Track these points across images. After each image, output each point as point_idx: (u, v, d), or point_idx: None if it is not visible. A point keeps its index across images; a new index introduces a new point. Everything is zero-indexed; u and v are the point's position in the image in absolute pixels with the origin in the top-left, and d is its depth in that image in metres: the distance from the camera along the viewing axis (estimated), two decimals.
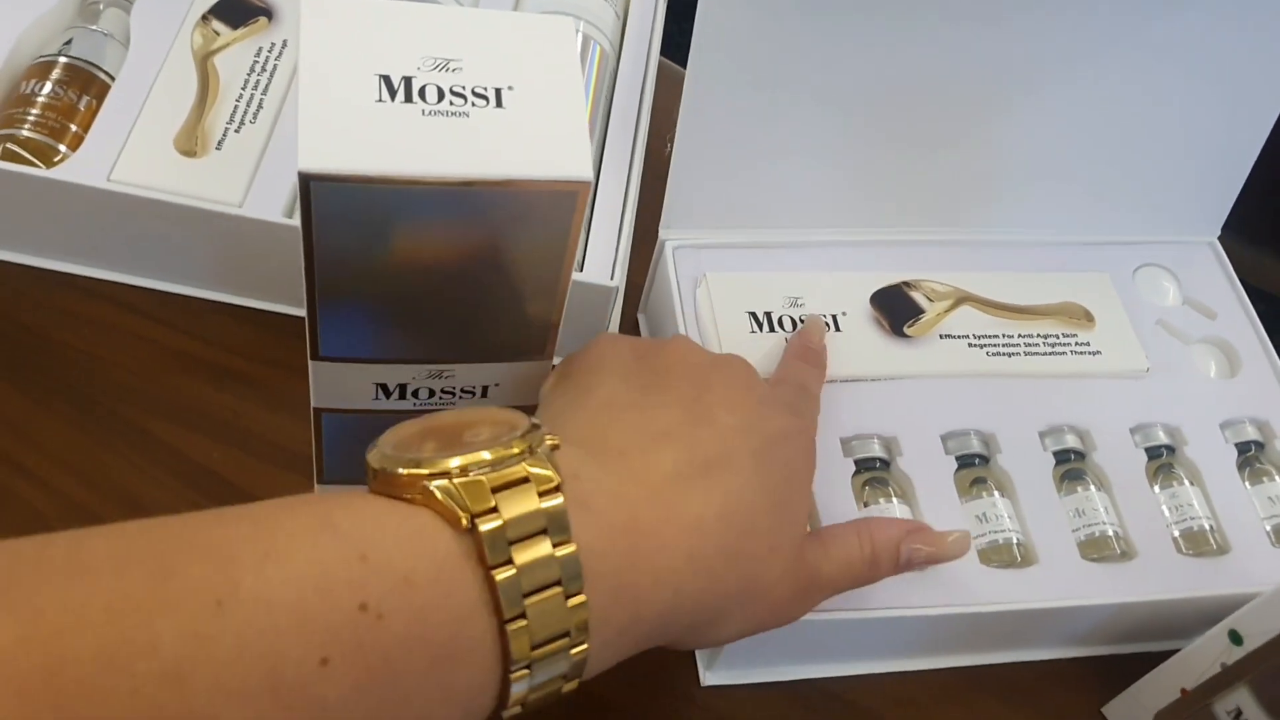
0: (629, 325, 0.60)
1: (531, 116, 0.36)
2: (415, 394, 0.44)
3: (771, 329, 0.54)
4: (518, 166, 0.35)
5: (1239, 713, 0.47)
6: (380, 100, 0.35)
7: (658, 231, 0.56)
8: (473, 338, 0.41)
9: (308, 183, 0.33)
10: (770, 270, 0.56)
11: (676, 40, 0.61)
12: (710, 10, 0.48)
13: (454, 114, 0.35)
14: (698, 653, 0.51)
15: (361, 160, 0.34)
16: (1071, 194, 0.60)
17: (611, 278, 0.54)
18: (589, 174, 0.35)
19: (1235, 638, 0.46)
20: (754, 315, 0.54)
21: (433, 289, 0.38)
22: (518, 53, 0.37)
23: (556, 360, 0.43)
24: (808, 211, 0.57)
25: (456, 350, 0.41)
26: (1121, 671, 0.52)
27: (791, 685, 0.51)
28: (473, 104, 0.35)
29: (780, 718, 0.50)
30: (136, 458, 0.52)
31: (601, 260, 0.55)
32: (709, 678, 0.51)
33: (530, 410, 0.39)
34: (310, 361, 0.41)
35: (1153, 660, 0.50)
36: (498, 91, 0.36)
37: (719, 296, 0.55)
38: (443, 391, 0.44)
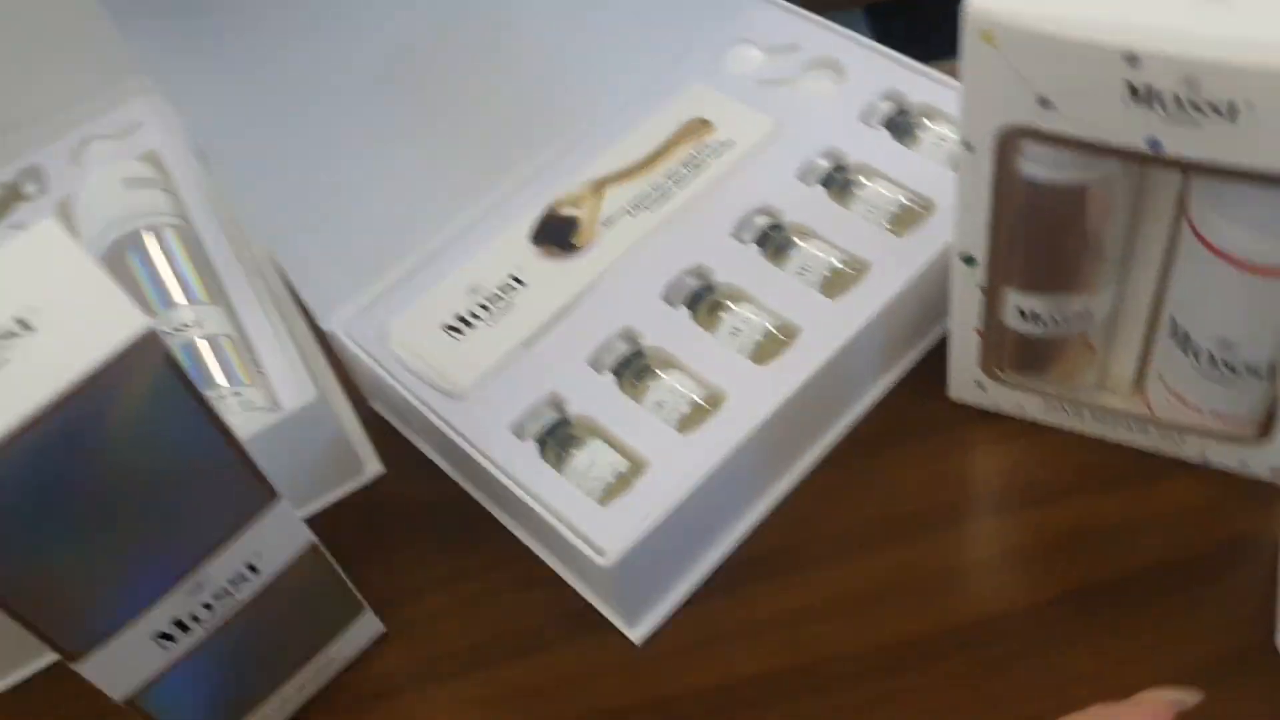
0: (371, 418, 0.60)
1: (65, 320, 0.35)
2: (197, 619, 0.43)
3: (470, 324, 0.55)
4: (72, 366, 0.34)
5: (1019, 310, 0.49)
6: None
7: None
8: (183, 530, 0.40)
9: None
10: (429, 286, 0.57)
11: None
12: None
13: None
14: (614, 617, 0.51)
15: None
16: (603, 45, 0.62)
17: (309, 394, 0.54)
18: (142, 323, 0.35)
19: (967, 260, 0.48)
20: (451, 328, 0.55)
21: (128, 509, 0.38)
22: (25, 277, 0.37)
23: None
24: (408, 228, 0.58)
25: (187, 548, 0.41)
26: (933, 362, 0.55)
27: (709, 588, 0.52)
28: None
29: (717, 624, 0.51)
30: None
31: (292, 386, 0.54)
32: (635, 634, 0.51)
33: None
34: (74, 665, 0.40)
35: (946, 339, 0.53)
36: (21, 321, 0.35)
37: (414, 333, 0.55)
38: (215, 597, 0.43)
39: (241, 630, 0.45)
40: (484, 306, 0.55)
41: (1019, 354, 0.52)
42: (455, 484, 0.56)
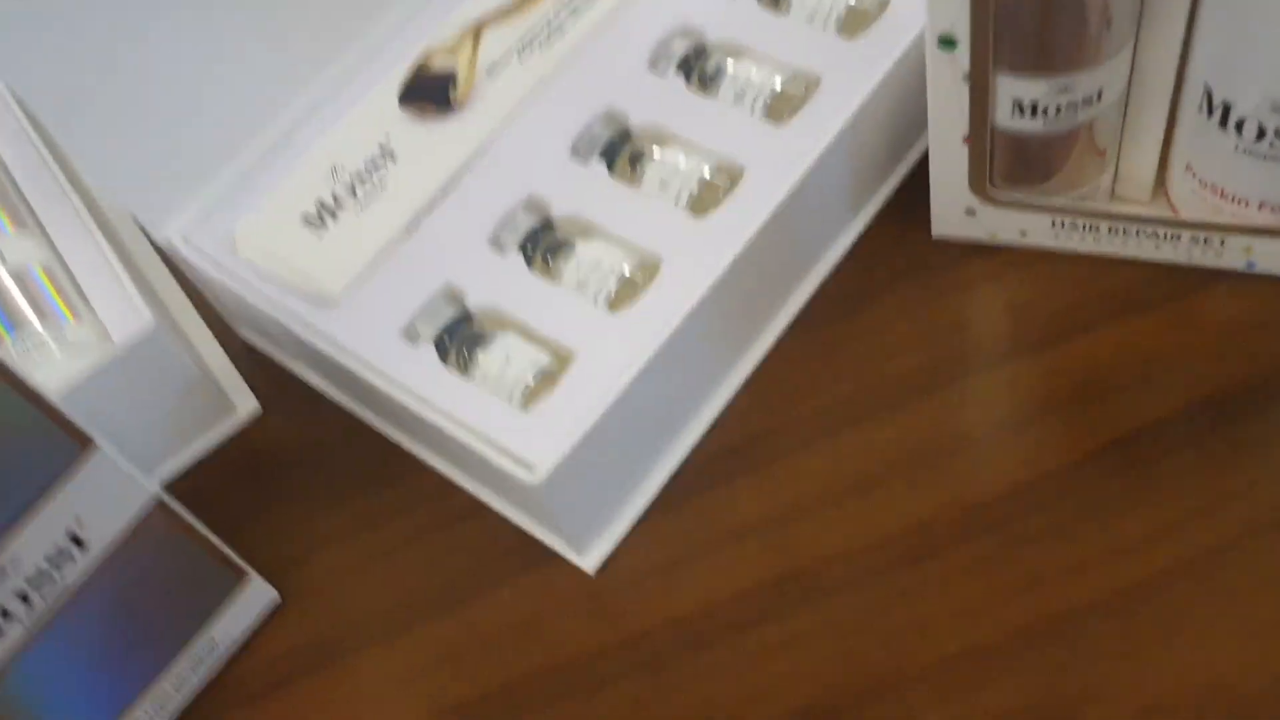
0: (241, 349, 0.49)
1: None
2: (7, 614, 0.33)
3: (335, 213, 0.44)
4: None
5: (1015, 103, 0.39)
6: None
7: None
8: None
9: None
10: (275, 179, 0.46)
11: None
12: None
13: None
14: (559, 545, 0.42)
15: None
16: None
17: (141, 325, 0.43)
18: None
19: (946, 43, 0.38)
20: (311, 220, 0.44)
21: None
22: None
23: None
24: (247, 108, 0.46)
25: None
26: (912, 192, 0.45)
27: (669, 497, 0.42)
28: None
29: (685, 539, 0.42)
30: None
31: (125, 318, 0.43)
32: (587, 563, 0.41)
33: None
34: None
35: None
36: None
37: (266, 232, 0.44)
38: (32, 584, 0.33)
39: (82, 618, 0.36)
40: (349, 189, 0.45)
41: (1015, 163, 0.42)
42: (349, 414, 0.46)
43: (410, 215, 0.44)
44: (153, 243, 0.47)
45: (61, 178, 0.47)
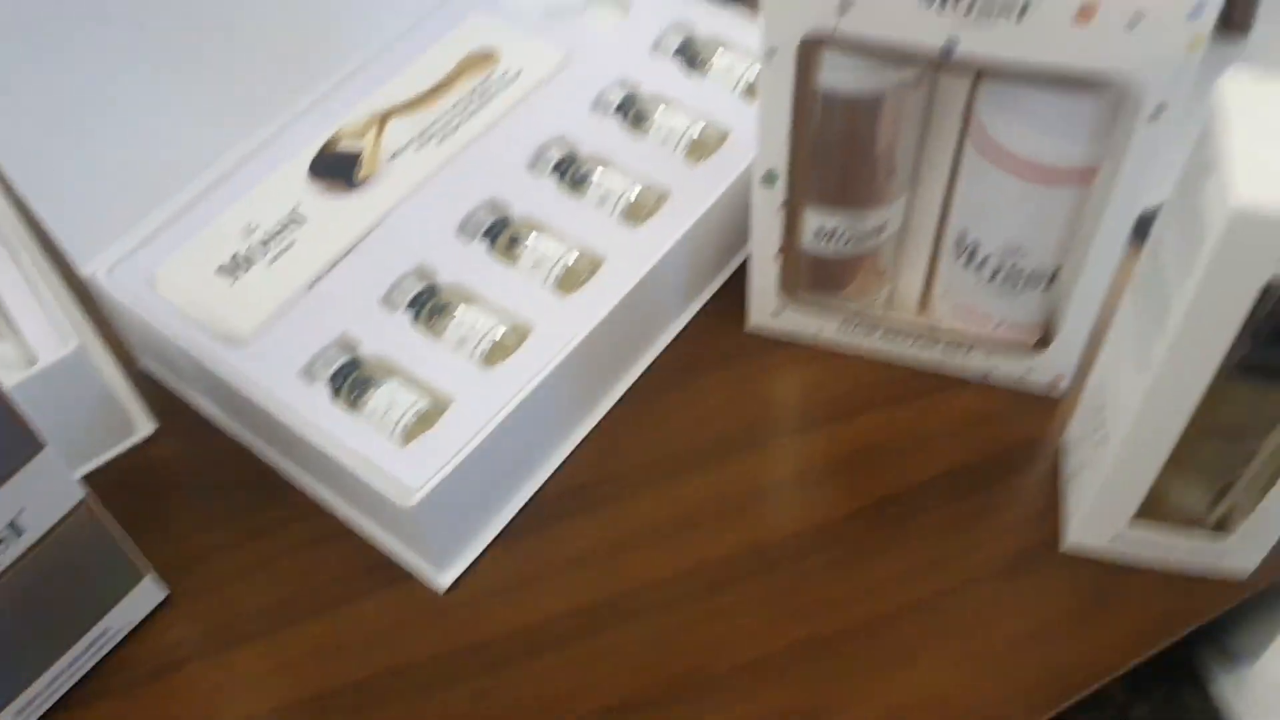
0: (139, 375, 0.55)
1: None
2: None
3: (247, 265, 0.51)
4: None
5: (818, 229, 0.50)
6: None
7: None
8: None
9: None
10: (201, 227, 0.53)
11: None
12: None
13: None
14: (417, 565, 0.49)
15: None
16: None
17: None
18: None
19: (769, 179, 0.48)
20: (226, 269, 0.51)
21: None
22: None
23: None
24: (175, 165, 0.53)
25: None
26: (734, 290, 0.55)
27: (517, 528, 0.50)
28: None
29: (527, 564, 0.49)
30: None
31: (49, 339, 0.49)
32: (443, 580, 0.49)
33: None
34: None
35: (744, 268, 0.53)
36: None
37: (185, 277, 0.51)
38: None
39: (3, 601, 0.40)
40: (262, 245, 0.52)
41: (815, 275, 0.52)
42: (237, 440, 0.53)
43: (314, 273, 0.51)
44: (72, 278, 0.52)
45: None
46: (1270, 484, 0.43)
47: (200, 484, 0.52)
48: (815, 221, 0.50)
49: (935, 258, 0.52)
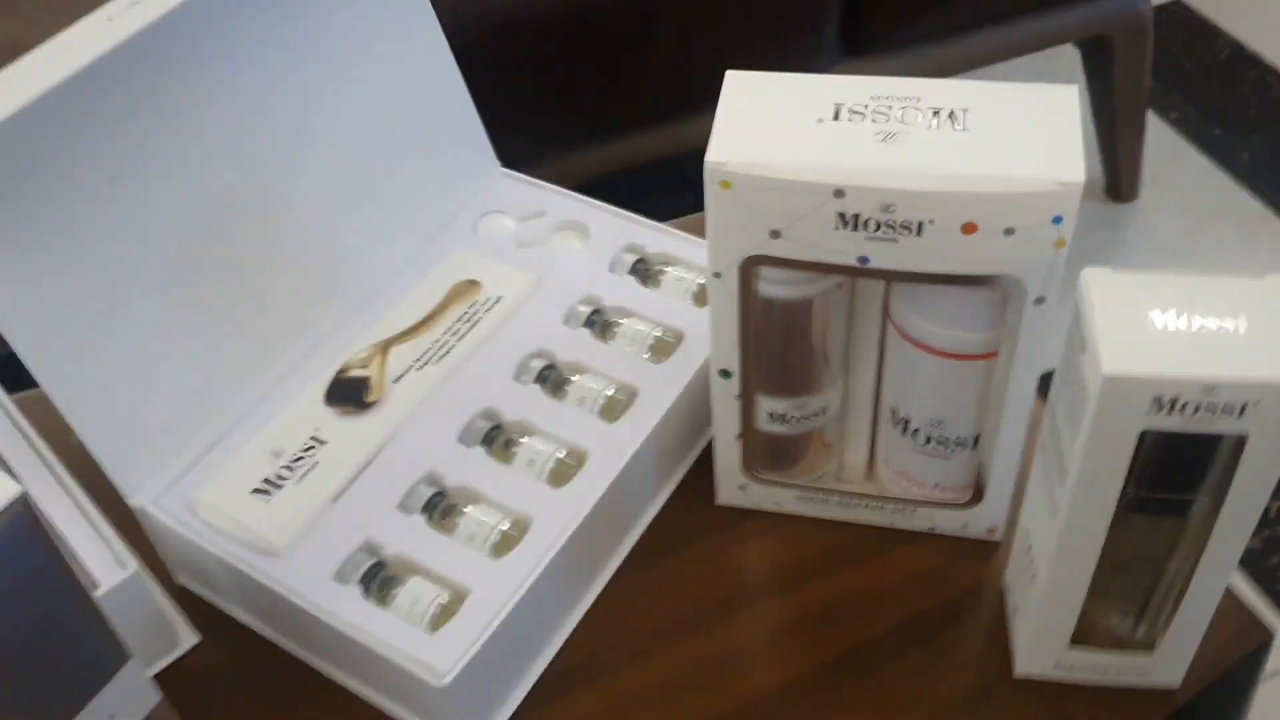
0: (178, 591, 0.61)
1: None
2: None
3: (278, 485, 0.58)
4: None
5: (769, 413, 0.58)
6: None
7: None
8: None
9: None
10: (232, 455, 0.60)
11: None
12: None
13: None
14: None
15: None
16: (373, 220, 0.68)
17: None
18: (14, 489, 0.37)
19: (724, 374, 0.57)
20: (259, 490, 0.58)
21: None
22: None
23: None
24: (206, 400, 0.60)
25: None
26: (701, 472, 0.63)
27: (532, 704, 0.56)
28: None
29: None
30: None
31: (103, 564, 0.55)
32: None
33: None
34: None
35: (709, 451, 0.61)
36: None
37: (224, 500, 0.57)
38: None
39: None
40: (288, 468, 0.59)
41: (771, 454, 0.60)
42: (273, 645, 0.58)
43: (337, 487, 0.58)
44: (121, 502, 0.59)
45: (36, 445, 0.60)
46: (1177, 604, 0.51)
47: (242, 687, 0.57)
48: (767, 406, 0.58)
49: (875, 431, 0.60)
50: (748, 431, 0.58)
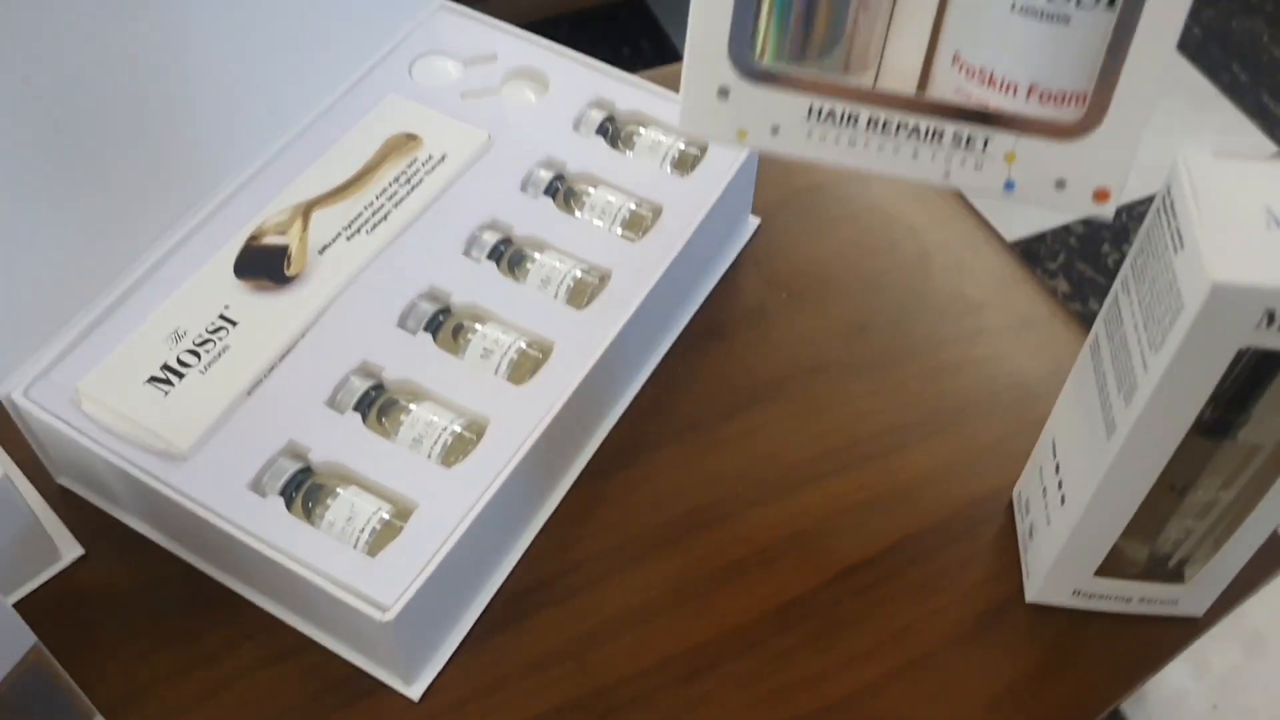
0: (57, 494, 0.51)
1: None
2: None
3: (180, 374, 0.48)
4: None
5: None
6: None
7: None
8: None
9: None
10: (116, 341, 0.49)
11: None
12: None
13: None
14: (386, 677, 0.47)
15: None
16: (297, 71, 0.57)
17: None
18: None
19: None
20: (157, 380, 0.48)
21: None
22: None
23: None
24: (87, 274, 0.50)
25: None
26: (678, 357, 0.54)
27: (485, 628, 0.48)
28: None
29: (500, 665, 0.48)
30: None
31: None
32: (413, 691, 0.47)
33: None
34: None
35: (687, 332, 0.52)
36: None
37: (112, 391, 0.47)
38: None
39: None
40: (192, 352, 0.49)
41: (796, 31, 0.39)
42: (176, 559, 0.49)
43: (252, 377, 0.48)
44: None
45: None
46: (1227, 535, 0.45)
47: (137, 610, 0.48)
48: None
49: (942, 13, 0.39)
50: None
